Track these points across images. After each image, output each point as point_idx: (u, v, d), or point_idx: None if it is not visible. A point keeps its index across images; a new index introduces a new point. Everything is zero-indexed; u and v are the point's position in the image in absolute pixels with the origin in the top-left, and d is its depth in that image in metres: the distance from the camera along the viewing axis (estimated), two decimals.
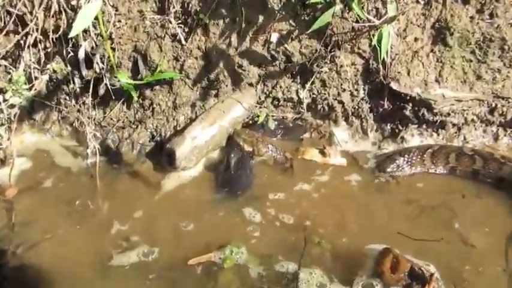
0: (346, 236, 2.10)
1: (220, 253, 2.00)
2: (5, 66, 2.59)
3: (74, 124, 2.73)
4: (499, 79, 2.37)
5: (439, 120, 2.45)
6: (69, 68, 2.59)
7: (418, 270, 1.87)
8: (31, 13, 2.49)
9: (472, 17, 2.32)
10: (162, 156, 2.48)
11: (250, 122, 2.64)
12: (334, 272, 1.95)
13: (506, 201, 2.21)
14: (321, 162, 2.51)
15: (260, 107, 2.65)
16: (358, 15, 2.28)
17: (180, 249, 2.06)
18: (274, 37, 2.48)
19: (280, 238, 2.10)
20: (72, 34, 2.12)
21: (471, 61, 2.38)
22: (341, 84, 2.55)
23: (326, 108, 2.63)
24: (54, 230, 2.18)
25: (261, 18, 2.42)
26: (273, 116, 2.64)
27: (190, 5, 2.43)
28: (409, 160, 2.38)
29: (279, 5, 2.39)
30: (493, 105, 2.44)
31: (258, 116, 2.64)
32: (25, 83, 2.51)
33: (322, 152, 2.54)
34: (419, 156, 2.38)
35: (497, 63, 2.35)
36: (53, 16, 2.48)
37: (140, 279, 1.95)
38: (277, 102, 2.67)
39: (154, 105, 2.60)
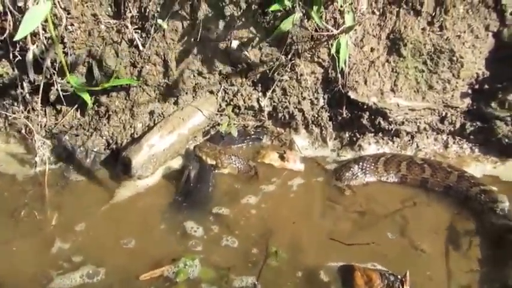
0: (302, 249, 2.06)
1: (173, 267, 1.91)
2: None
3: (21, 131, 2.57)
4: (448, 89, 2.47)
5: (393, 129, 2.51)
6: (17, 72, 2.44)
7: (389, 276, 1.88)
8: None
9: (423, 29, 2.40)
10: (118, 164, 2.37)
11: (209, 133, 2.61)
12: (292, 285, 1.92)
13: (453, 208, 2.28)
14: (279, 166, 2.50)
15: (221, 115, 2.62)
16: (317, 24, 2.31)
17: (130, 265, 1.94)
18: (235, 44, 2.45)
19: (235, 250, 2.04)
20: (18, 37, 1.96)
21: (423, 71, 2.47)
22: (301, 93, 2.56)
23: (287, 116, 2.62)
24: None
25: (221, 25, 2.38)
26: (234, 123, 2.63)
27: (148, 10, 2.35)
28: (364, 168, 2.42)
29: (239, 12, 2.37)
30: (444, 114, 2.53)
31: (219, 124, 2.62)
32: None
33: (282, 157, 2.54)
34: (373, 164, 2.42)
35: (447, 73, 2.44)
36: None
37: None
38: (238, 110, 2.63)
39: (110, 112, 2.48)
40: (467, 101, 2.50)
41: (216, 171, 2.38)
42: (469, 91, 2.49)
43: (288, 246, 2.04)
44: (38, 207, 2.18)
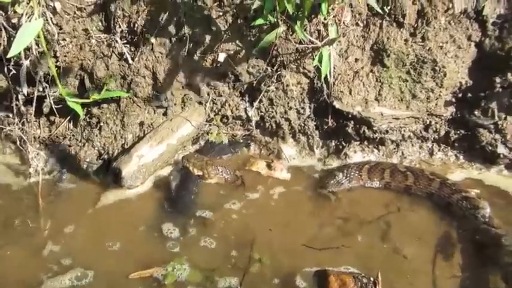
0: (286, 254, 2.13)
1: (162, 269, 2.00)
2: None
3: (16, 142, 2.67)
4: (432, 98, 2.53)
5: (378, 137, 2.57)
6: (12, 85, 2.54)
7: (362, 279, 1.95)
8: None
9: (406, 40, 2.46)
10: (109, 175, 2.46)
11: (199, 142, 2.70)
12: None
13: (436, 214, 2.34)
14: (265, 174, 2.57)
15: (209, 125, 2.69)
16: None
17: (117, 268, 2.03)
18: (222, 57, 2.53)
19: (222, 255, 2.12)
20: (11, 54, 2.05)
21: (407, 81, 2.53)
22: (288, 103, 2.63)
23: (274, 125, 2.69)
24: None
25: (207, 38, 2.46)
26: (223, 133, 2.71)
27: (137, 25, 2.44)
28: (348, 175, 2.48)
29: (225, 26, 2.45)
30: (428, 122, 2.59)
31: (208, 133, 2.69)
32: None
33: (269, 166, 2.62)
34: (357, 172, 2.49)
35: (430, 83, 2.50)
36: None
37: None
38: (226, 120, 2.71)
39: (102, 124, 2.58)
40: (451, 109, 2.56)
41: (203, 181, 2.46)
42: (453, 100, 2.55)
43: (267, 252, 2.11)
44: (32, 215, 2.27)
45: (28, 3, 2.32)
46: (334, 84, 2.54)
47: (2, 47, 2.41)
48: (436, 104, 2.54)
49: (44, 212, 2.30)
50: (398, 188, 2.43)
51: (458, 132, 2.57)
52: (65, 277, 1.98)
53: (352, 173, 2.47)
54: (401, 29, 2.46)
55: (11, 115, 2.63)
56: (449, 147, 2.63)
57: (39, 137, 2.60)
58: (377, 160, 2.59)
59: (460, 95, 2.53)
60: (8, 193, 2.43)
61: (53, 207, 2.33)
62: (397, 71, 2.51)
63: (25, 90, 2.43)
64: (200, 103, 2.64)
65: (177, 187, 2.37)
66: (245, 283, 1.95)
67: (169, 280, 1.94)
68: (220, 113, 2.66)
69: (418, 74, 2.49)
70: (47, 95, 2.47)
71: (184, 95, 2.59)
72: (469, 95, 2.51)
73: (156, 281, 1.95)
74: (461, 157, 2.61)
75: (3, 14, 2.38)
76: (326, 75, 2.43)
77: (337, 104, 2.55)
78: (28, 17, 2.33)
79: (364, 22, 2.51)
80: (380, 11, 2.33)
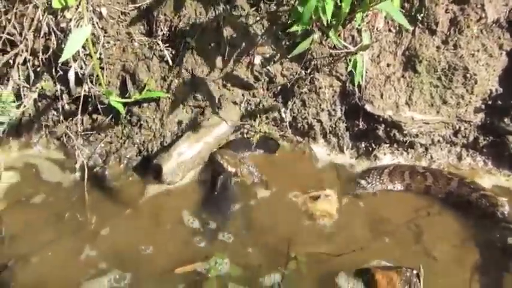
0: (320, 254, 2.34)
1: (205, 264, 2.26)
2: None
3: (61, 139, 2.96)
4: (462, 104, 2.72)
5: (408, 141, 2.78)
6: (58, 86, 2.83)
7: (406, 272, 2.14)
8: (20, 34, 2.72)
9: (438, 47, 2.66)
10: (149, 171, 2.73)
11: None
12: None
13: (462, 218, 2.54)
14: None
15: (244, 125, 2.94)
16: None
17: (165, 263, 2.30)
18: (257, 60, 2.77)
19: (260, 251, 2.35)
20: (63, 59, 2.30)
21: (438, 87, 2.72)
22: (320, 105, 2.86)
23: (306, 126, 2.92)
24: (39, 246, 2.36)
25: (244, 42, 2.70)
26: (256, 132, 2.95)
27: (177, 29, 2.71)
28: (370, 182, 2.69)
29: (262, 31, 2.68)
30: (457, 127, 2.78)
31: (241, 133, 2.94)
32: (13, 101, 2.73)
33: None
34: (378, 177, 2.70)
35: (461, 89, 2.69)
36: (42, 37, 2.71)
37: None
38: (260, 120, 2.97)
39: (142, 122, 2.85)
40: (481, 115, 2.75)
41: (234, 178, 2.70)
42: (483, 106, 2.74)
43: (302, 251, 2.34)
44: (79, 209, 2.56)
45: (77, 9, 2.60)
46: (365, 88, 2.76)
47: (51, 50, 2.70)
48: (466, 110, 2.74)
49: (90, 206, 2.59)
50: (418, 189, 2.65)
51: (487, 138, 2.76)
52: (109, 272, 2.27)
53: (374, 178, 2.69)
54: (434, 36, 2.65)
55: (55, 113, 2.95)
56: (477, 153, 2.82)
57: (82, 134, 2.89)
58: (395, 163, 2.81)
59: (489, 102, 2.72)
60: (54, 187, 2.72)
61: (98, 201, 2.61)
62: (428, 76, 2.71)
63: (74, 90, 2.73)
64: (235, 103, 2.89)
65: (221, 186, 2.62)
66: (284, 281, 2.19)
67: (212, 274, 2.21)
68: (254, 113, 2.91)
69: (449, 81, 2.69)
70: (92, 95, 2.76)
71: (221, 95, 2.84)
72: (499, 102, 2.69)
73: (199, 275, 2.22)
74: (489, 163, 2.81)
75: (54, 19, 2.66)
76: (359, 80, 2.65)
77: (368, 107, 2.76)
78: (77, 22, 2.62)
79: (397, 28, 2.71)
80: (409, 27, 2.49)
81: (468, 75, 2.65)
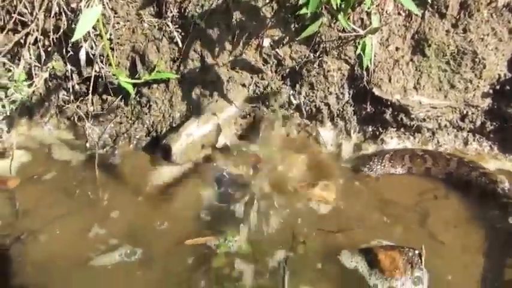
0: (325, 235, 2.39)
1: (215, 239, 2.32)
2: (4, 63, 2.85)
3: (71, 118, 3.03)
4: (470, 89, 2.74)
5: (415, 125, 2.81)
6: (69, 66, 2.88)
7: (408, 252, 2.18)
8: (31, 14, 2.76)
9: (447, 31, 2.67)
10: (159, 151, 2.80)
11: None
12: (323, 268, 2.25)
13: (466, 200, 2.57)
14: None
15: (252, 107, 2.98)
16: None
17: (175, 239, 2.35)
18: (266, 42, 2.80)
19: (270, 232, 2.40)
20: (74, 38, 2.32)
21: (446, 71, 2.74)
22: (328, 88, 2.89)
23: (313, 109, 2.97)
24: (51, 220, 2.43)
25: (253, 24, 2.73)
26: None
27: (187, 10, 2.74)
28: (372, 168, 2.73)
29: (271, 13, 2.71)
30: (464, 112, 2.81)
31: (249, 115, 2.98)
32: (25, 80, 2.79)
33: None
34: (379, 163, 2.74)
35: (469, 74, 2.71)
36: (53, 17, 2.75)
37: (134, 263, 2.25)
38: (267, 102, 3.00)
39: (151, 103, 2.91)
40: (488, 100, 2.77)
41: None
42: (490, 91, 2.75)
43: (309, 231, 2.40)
44: (90, 187, 2.63)
45: None
46: (374, 71, 2.78)
47: (62, 30, 2.75)
48: (474, 95, 2.76)
49: (100, 184, 2.65)
50: (419, 171, 2.70)
51: (494, 123, 2.78)
52: (121, 246, 2.34)
53: (375, 164, 2.74)
54: (443, 20, 2.66)
55: (66, 93, 3.01)
56: (484, 138, 2.85)
57: (92, 114, 2.95)
58: (394, 148, 2.86)
59: (497, 87, 2.73)
60: (65, 166, 2.79)
61: (108, 179, 2.68)
62: (437, 61, 2.73)
63: (84, 70, 2.78)
64: (244, 85, 2.92)
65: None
66: (291, 261, 2.24)
67: (222, 250, 2.27)
68: (262, 95, 2.94)
69: (457, 65, 2.70)
70: (103, 75, 2.81)
71: (229, 77, 2.87)
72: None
73: (209, 249, 2.28)
74: (495, 148, 2.84)
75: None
76: (367, 63, 2.68)
77: (376, 91, 2.79)
78: (87, 2, 2.65)
79: (406, 12, 2.72)
80: (417, 12, 2.52)
81: (477, 59, 2.66)
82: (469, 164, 2.65)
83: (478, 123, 2.82)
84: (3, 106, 2.66)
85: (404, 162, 2.74)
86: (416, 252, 2.18)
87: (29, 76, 2.85)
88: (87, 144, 2.83)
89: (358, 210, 2.55)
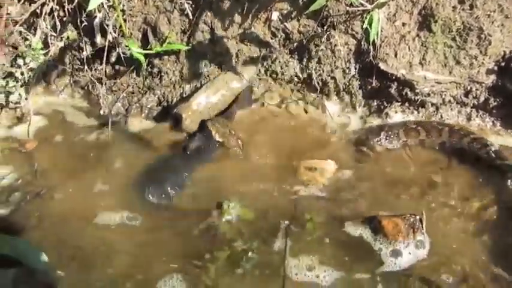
0: (330, 206, 2.46)
1: (219, 208, 2.41)
2: (20, 32, 2.98)
3: (85, 87, 3.18)
4: (475, 65, 2.79)
5: (419, 100, 2.89)
6: (83, 36, 3.00)
7: (409, 218, 2.27)
8: None
9: (454, 7, 2.71)
10: (169, 119, 2.92)
11: None
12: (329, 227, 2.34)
13: (472, 172, 2.64)
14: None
15: (260, 79, 3.08)
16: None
17: (180, 203, 2.49)
18: (275, 16, 2.88)
19: (273, 203, 2.48)
20: (90, 8, 2.47)
21: (452, 47, 2.79)
22: (334, 62, 2.96)
23: (320, 83, 3.05)
24: (66, 179, 2.60)
25: None
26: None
27: None
28: (369, 146, 2.80)
29: None
30: (469, 88, 2.87)
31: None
32: (42, 49, 2.91)
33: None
34: (376, 138, 2.81)
35: (474, 50, 2.76)
36: None
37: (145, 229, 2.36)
38: (275, 76, 3.09)
39: (162, 74, 3.03)
40: (493, 77, 2.82)
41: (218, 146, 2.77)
42: (495, 68, 2.80)
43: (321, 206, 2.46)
44: (103, 152, 2.78)
45: None
46: (380, 46, 2.85)
47: (76, 1, 2.85)
48: (479, 71, 2.81)
49: (112, 148, 2.80)
50: (414, 143, 2.79)
51: (498, 100, 2.83)
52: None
53: (373, 141, 2.81)
54: None
55: (80, 63, 3.13)
56: (487, 114, 2.91)
57: (105, 84, 3.07)
58: (390, 123, 2.92)
59: (502, 64, 2.78)
60: (79, 131, 2.96)
61: (121, 145, 2.82)
62: (443, 37, 2.79)
63: (98, 40, 2.90)
64: (252, 58, 3.02)
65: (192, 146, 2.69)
66: (294, 231, 2.31)
67: (226, 217, 2.37)
68: (270, 68, 3.04)
69: (463, 41, 2.76)
70: (115, 45, 2.92)
71: (238, 50, 2.97)
72: None
73: (214, 215, 2.36)
74: (498, 124, 2.89)
75: None
76: (374, 37, 2.74)
77: (382, 66, 2.86)
78: None
79: None
80: None
81: (483, 35, 2.71)
82: (459, 131, 2.74)
83: (482, 99, 2.88)
84: (22, 73, 2.80)
85: (399, 137, 2.82)
86: (418, 217, 2.28)
87: (45, 45, 2.98)
88: (101, 112, 2.98)
89: (360, 184, 2.63)
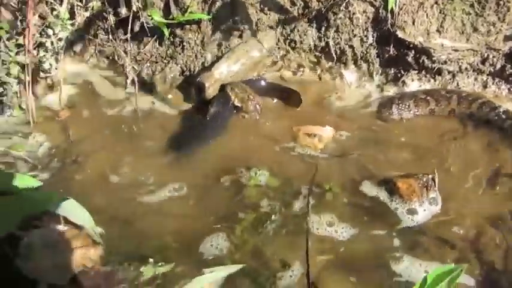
0: (347, 169, 2.61)
1: (246, 173, 2.56)
2: (47, 2, 3.09)
3: (110, 57, 3.30)
4: (493, 32, 2.85)
5: (436, 67, 2.97)
6: (107, 6, 3.10)
7: (422, 178, 2.42)
8: None
9: None
10: (192, 88, 3.05)
11: None
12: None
13: (484, 141, 2.75)
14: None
15: (279, 48, 3.17)
16: None
17: (210, 172, 2.61)
18: None
19: (296, 167, 2.63)
20: None
21: (470, 14, 2.85)
22: (352, 30, 3.04)
23: (338, 52, 3.13)
24: (99, 147, 2.77)
25: None
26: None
27: None
28: (384, 118, 2.91)
29: None
30: (485, 55, 2.94)
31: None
32: (69, 19, 3.03)
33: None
34: (388, 111, 2.91)
35: (492, 17, 2.82)
36: None
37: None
38: (294, 45, 3.18)
39: (184, 43, 3.13)
40: (510, 44, 2.89)
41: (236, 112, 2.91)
42: None
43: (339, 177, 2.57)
44: (131, 120, 2.95)
45: None
46: (398, 14, 2.91)
47: None
48: (496, 39, 2.87)
49: (140, 118, 2.97)
50: (424, 113, 2.90)
51: None
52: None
53: (387, 113, 2.92)
54: None
55: (104, 33, 3.25)
56: (503, 81, 2.98)
57: (129, 53, 3.20)
58: (400, 93, 3.02)
59: None
60: (108, 100, 3.11)
61: (148, 113, 3.00)
62: (461, 3, 2.84)
63: (123, 10, 3.01)
64: (271, 27, 3.11)
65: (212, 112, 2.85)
66: (315, 194, 2.45)
67: (252, 182, 2.51)
68: (289, 37, 3.12)
69: (481, 8, 2.81)
70: (139, 15, 3.02)
71: (258, 19, 3.06)
72: None
73: (241, 182, 2.52)
74: None
75: None
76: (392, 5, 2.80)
77: (400, 34, 2.93)
78: None
79: None
80: None
81: (501, 2, 2.76)
82: (468, 97, 2.84)
83: (498, 66, 2.94)
84: (52, 43, 2.93)
85: (410, 107, 2.92)
86: (430, 176, 2.43)
87: (71, 16, 3.09)
88: (127, 81, 3.12)
89: (376, 151, 2.75)
